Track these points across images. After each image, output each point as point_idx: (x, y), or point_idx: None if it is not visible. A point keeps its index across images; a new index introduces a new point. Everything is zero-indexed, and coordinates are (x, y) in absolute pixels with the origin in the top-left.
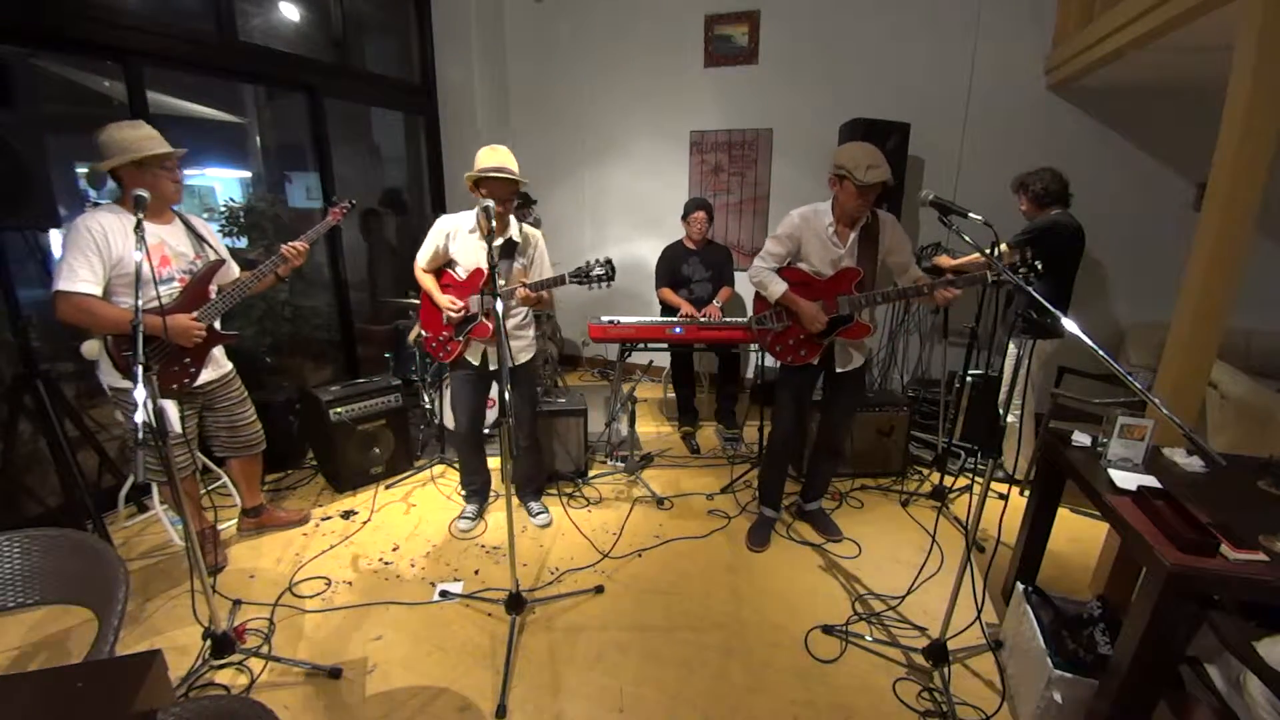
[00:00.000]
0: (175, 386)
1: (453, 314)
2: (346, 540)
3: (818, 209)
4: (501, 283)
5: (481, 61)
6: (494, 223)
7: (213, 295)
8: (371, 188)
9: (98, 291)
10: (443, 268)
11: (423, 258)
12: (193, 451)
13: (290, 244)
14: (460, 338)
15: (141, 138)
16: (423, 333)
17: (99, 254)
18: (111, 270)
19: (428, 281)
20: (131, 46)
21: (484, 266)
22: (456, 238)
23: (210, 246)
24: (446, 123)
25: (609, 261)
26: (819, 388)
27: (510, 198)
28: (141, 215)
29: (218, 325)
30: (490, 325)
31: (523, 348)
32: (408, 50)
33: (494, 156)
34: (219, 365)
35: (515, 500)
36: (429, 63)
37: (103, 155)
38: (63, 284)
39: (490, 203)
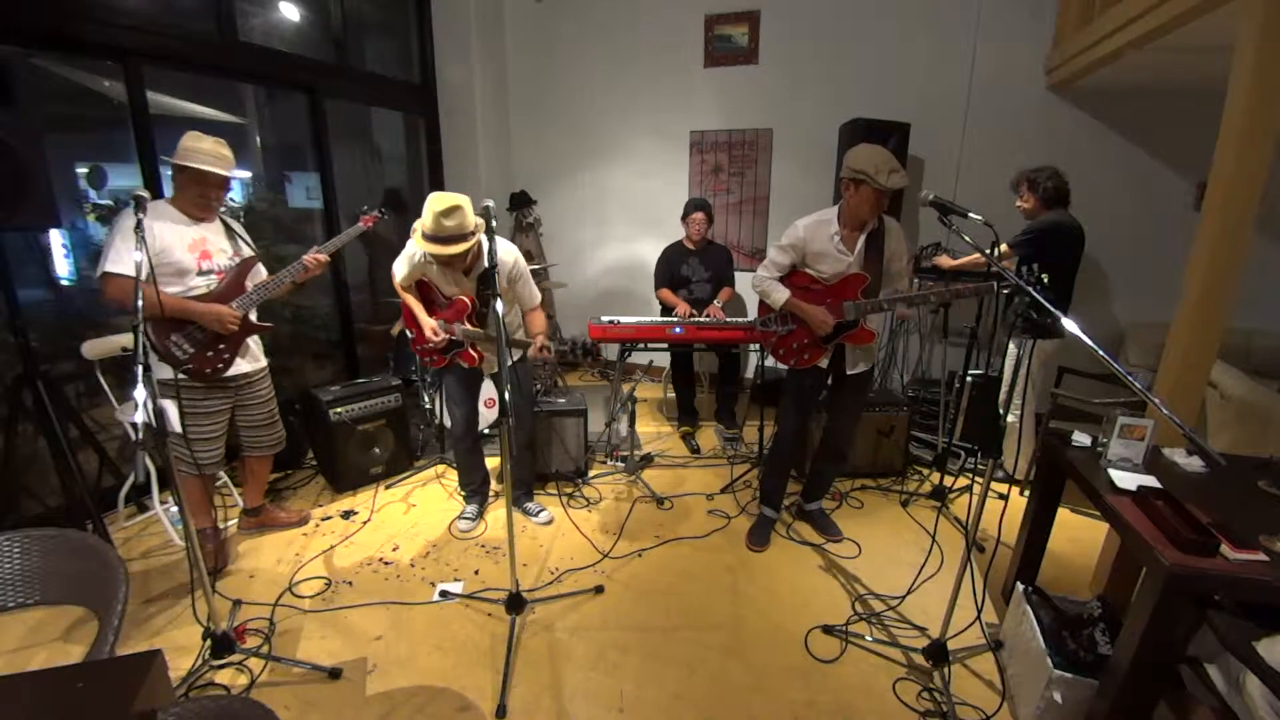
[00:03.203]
0: (209, 371)
1: (435, 343)
2: (346, 540)
3: (822, 218)
4: (486, 313)
5: (481, 61)
6: (491, 222)
7: (249, 288)
8: (372, 188)
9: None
10: (421, 284)
11: (398, 273)
12: (183, 450)
13: (313, 255)
14: (446, 356)
15: (197, 149)
16: (408, 333)
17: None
18: (155, 259)
19: (409, 299)
20: (131, 46)
21: (466, 300)
22: (433, 268)
23: (247, 244)
24: (446, 123)
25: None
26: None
27: (460, 265)
28: (142, 216)
29: (253, 317)
30: (476, 356)
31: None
32: (408, 50)
33: (436, 224)
34: (255, 359)
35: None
36: (429, 63)
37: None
38: (109, 265)
39: (490, 203)
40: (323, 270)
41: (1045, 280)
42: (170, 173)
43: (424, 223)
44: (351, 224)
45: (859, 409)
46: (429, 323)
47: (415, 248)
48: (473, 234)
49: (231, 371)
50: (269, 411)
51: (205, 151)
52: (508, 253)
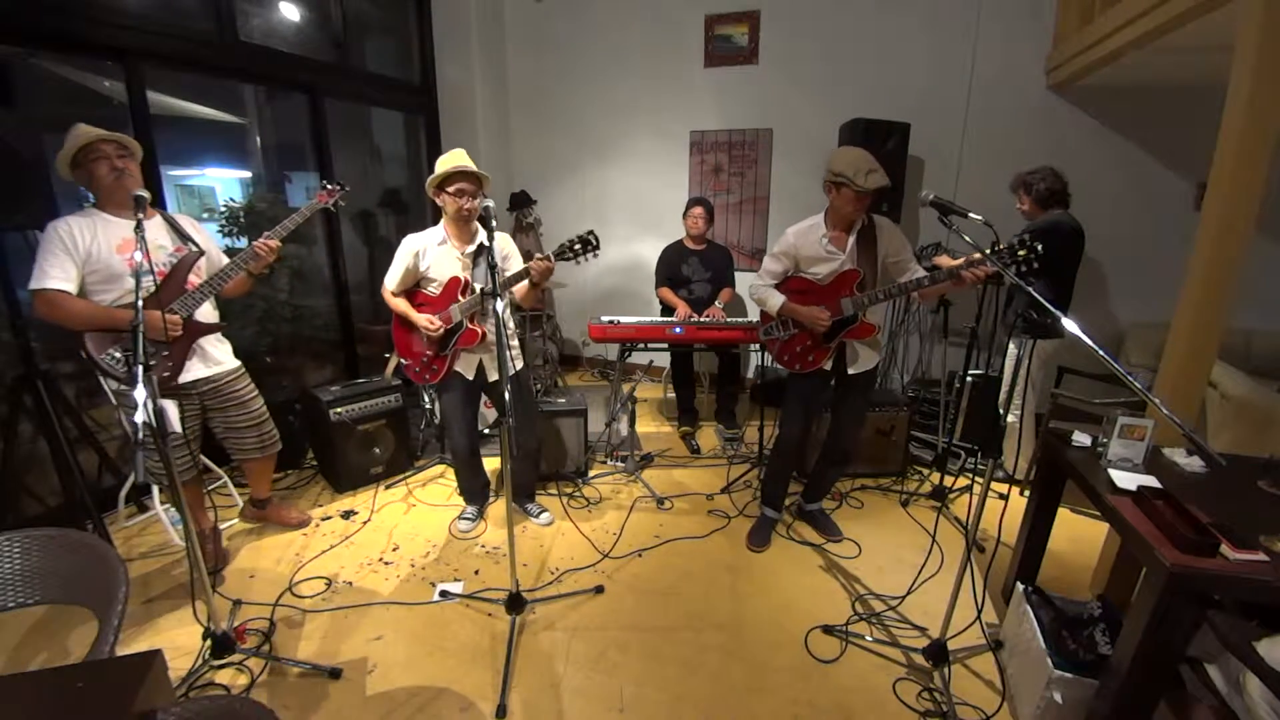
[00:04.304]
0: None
1: (432, 332)
2: (346, 540)
3: (810, 224)
4: (479, 287)
5: (481, 61)
6: (492, 223)
7: (193, 286)
8: (371, 188)
9: (70, 289)
10: (414, 288)
11: (392, 280)
12: (194, 454)
13: (263, 241)
14: (445, 352)
15: (71, 139)
16: (402, 361)
17: (67, 253)
18: (84, 267)
19: (401, 305)
20: (131, 46)
21: (460, 275)
22: (427, 254)
23: (192, 241)
24: (446, 123)
25: (590, 232)
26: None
27: (476, 192)
28: (143, 215)
29: (208, 316)
30: (478, 331)
31: (513, 356)
32: (408, 50)
33: (454, 157)
34: (213, 361)
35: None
36: (429, 63)
37: None
38: (34, 283)
39: (491, 203)
40: (276, 256)
41: (1040, 249)
42: (82, 188)
43: (442, 165)
44: (356, 223)
45: (864, 410)
46: (423, 318)
47: (408, 247)
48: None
49: (186, 378)
50: (251, 413)
51: (79, 133)
52: (499, 234)
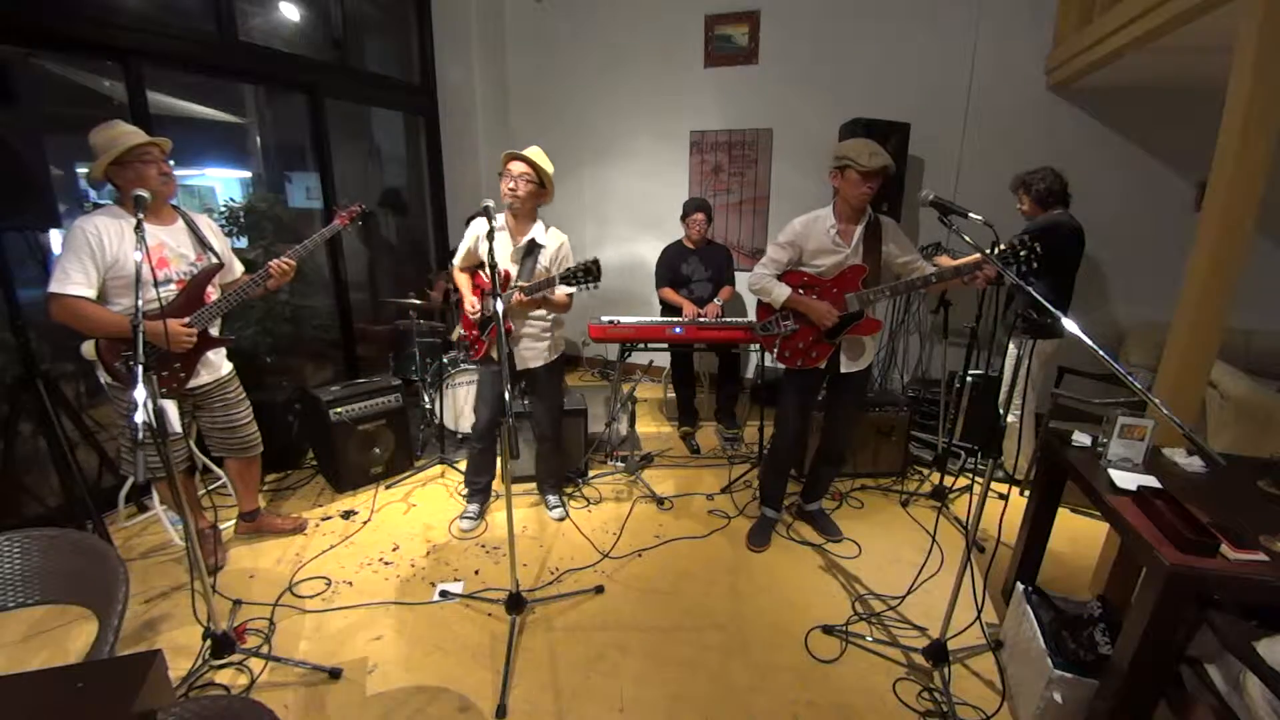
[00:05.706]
0: (164, 391)
1: (472, 315)
2: (346, 540)
3: (818, 215)
4: (523, 284)
5: (481, 62)
6: (492, 223)
7: (211, 299)
8: (371, 188)
9: (90, 294)
10: (477, 269)
11: (457, 258)
12: (190, 447)
13: (277, 261)
14: (483, 336)
15: (115, 135)
16: (462, 330)
17: (93, 257)
18: (107, 272)
19: (461, 281)
20: (131, 46)
21: (507, 268)
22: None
23: (212, 250)
24: (446, 123)
25: (595, 261)
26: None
27: (532, 178)
28: (142, 215)
29: (215, 330)
30: (509, 327)
31: (544, 349)
32: (408, 50)
33: (521, 153)
34: (215, 369)
35: (528, 496)
36: (429, 63)
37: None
38: (54, 286)
39: (490, 202)
40: (289, 278)
41: (1039, 249)
42: (106, 186)
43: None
44: (356, 223)
45: (857, 410)
46: (470, 299)
47: (474, 230)
48: (541, 181)
49: (190, 385)
50: (236, 415)
51: (120, 133)
52: (557, 236)
